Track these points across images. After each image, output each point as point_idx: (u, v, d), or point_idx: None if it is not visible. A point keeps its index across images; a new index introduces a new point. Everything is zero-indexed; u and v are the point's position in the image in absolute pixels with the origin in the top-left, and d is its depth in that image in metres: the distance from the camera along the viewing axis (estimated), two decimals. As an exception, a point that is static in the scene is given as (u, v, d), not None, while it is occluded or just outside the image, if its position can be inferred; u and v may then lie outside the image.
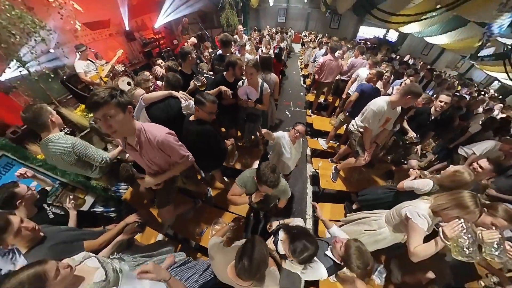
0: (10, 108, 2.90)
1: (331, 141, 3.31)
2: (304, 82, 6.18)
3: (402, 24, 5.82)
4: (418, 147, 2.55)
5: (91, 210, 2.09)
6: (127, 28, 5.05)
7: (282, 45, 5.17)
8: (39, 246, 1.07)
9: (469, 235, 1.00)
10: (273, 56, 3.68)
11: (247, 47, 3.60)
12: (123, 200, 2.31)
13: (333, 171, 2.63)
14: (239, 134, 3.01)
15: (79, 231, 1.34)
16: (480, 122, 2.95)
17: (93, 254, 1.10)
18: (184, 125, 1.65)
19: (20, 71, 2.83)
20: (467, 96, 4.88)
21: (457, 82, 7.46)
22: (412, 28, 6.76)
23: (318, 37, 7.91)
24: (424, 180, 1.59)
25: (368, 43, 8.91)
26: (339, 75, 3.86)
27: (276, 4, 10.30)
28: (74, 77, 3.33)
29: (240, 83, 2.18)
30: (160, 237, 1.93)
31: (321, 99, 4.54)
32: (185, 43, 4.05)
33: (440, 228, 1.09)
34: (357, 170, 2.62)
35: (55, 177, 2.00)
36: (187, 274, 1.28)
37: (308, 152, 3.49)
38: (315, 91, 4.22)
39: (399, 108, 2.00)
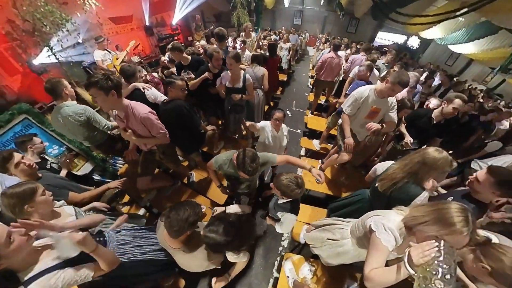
0: (40, 88, 3.51)
1: (325, 143, 3.24)
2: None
3: (422, 26, 5.44)
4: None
5: (89, 175, 2.36)
6: (147, 24, 5.50)
7: (285, 45, 5.22)
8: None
9: (445, 266, 0.66)
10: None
11: (248, 44, 3.73)
12: (119, 174, 2.55)
13: (319, 167, 2.58)
14: (219, 122, 3.15)
15: (68, 182, 1.59)
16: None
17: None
18: (160, 108, 1.82)
19: (50, 58, 3.40)
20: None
21: (483, 95, 6.82)
22: (434, 33, 6.35)
23: (330, 38, 7.74)
24: (385, 162, 1.43)
25: (386, 49, 8.56)
26: (341, 75, 3.80)
27: (292, 6, 10.25)
28: (94, 64, 3.83)
29: (223, 73, 2.33)
30: (141, 211, 2.08)
31: (322, 100, 4.48)
32: (197, 43, 4.29)
33: (407, 249, 0.78)
34: (346, 173, 2.50)
35: (62, 142, 2.32)
36: (138, 242, 1.30)
37: (302, 152, 3.47)
38: (313, 91, 4.19)
39: (391, 101, 1.84)
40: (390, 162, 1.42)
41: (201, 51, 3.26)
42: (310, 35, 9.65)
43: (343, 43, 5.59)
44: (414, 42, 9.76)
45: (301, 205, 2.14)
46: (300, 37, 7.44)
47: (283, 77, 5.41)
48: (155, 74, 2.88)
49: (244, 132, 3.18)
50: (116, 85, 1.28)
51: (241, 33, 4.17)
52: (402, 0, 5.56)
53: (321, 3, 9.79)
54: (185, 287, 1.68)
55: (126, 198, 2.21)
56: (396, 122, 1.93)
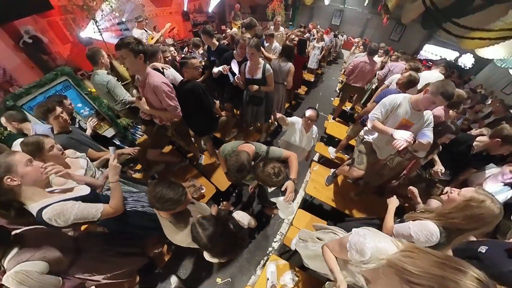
0: (84, 57, 3.96)
1: (342, 153, 3.04)
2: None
3: (482, 43, 4.67)
4: (448, 187, 1.90)
5: (111, 139, 2.58)
6: (185, 9, 5.68)
7: (318, 44, 4.95)
8: (63, 134, 1.54)
9: None
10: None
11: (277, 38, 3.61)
12: (136, 143, 2.77)
13: (330, 175, 2.42)
14: (237, 111, 3.13)
15: (91, 140, 1.77)
16: None
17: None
18: (176, 89, 1.85)
19: (95, 33, 3.78)
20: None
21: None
22: (494, 53, 5.43)
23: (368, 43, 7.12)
24: (424, 223, 0.98)
25: (430, 63, 7.67)
26: (374, 83, 3.51)
27: (332, 4, 9.56)
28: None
29: (244, 63, 2.30)
30: (149, 181, 2.22)
31: (348, 107, 4.22)
32: (228, 30, 4.33)
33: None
34: (357, 189, 2.29)
35: (93, 105, 2.55)
36: (139, 198, 1.44)
37: (316, 157, 3.33)
38: (340, 96, 3.96)
39: (427, 116, 1.53)
40: (434, 230, 0.98)
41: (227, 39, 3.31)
42: (347, 38, 8.99)
43: (380, 48, 5.12)
44: (467, 61, 8.52)
45: (301, 211, 2.12)
46: (336, 38, 7.00)
47: (310, 77, 5.20)
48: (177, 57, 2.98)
49: (258, 125, 3.15)
50: (145, 51, 1.39)
51: (271, 26, 4.05)
52: (462, 9, 4.82)
53: (365, 4, 9.00)
54: (170, 260, 1.81)
55: (139, 166, 2.39)
56: (431, 143, 1.54)
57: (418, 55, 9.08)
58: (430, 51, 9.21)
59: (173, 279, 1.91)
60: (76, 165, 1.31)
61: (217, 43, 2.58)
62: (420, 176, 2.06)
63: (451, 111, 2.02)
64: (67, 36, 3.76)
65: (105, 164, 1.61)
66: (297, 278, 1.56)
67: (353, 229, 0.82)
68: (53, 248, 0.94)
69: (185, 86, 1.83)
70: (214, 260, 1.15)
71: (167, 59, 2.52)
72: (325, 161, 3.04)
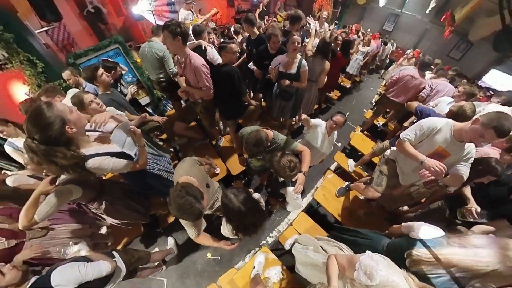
0: (135, 30, 4.40)
1: (361, 168, 2.85)
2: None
3: None
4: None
5: (145, 106, 2.85)
6: (231, -5, 5.73)
7: (363, 48, 4.55)
8: (107, 93, 1.78)
9: None
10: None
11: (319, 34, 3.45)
12: (166, 114, 3.03)
13: (343, 187, 2.32)
14: (264, 104, 3.11)
15: (128, 104, 1.98)
16: None
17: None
18: (213, 70, 1.93)
19: (146, 10, 4.10)
20: None
21: None
22: None
23: (421, 56, 5.97)
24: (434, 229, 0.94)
25: (491, 92, 6.48)
26: (417, 101, 3.15)
27: (388, 7, 8.42)
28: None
29: (279, 56, 2.25)
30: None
31: (380, 122, 3.90)
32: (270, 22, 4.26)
33: None
34: (368, 209, 2.14)
35: (136, 74, 2.84)
36: (157, 162, 1.63)
37: (332, 167, 3.20)
38: (375, 108, 3.62)
39: (469, 150, 1.32)
40: (440, 232, 0.95)
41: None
42: (397, 47, 8.05)
43: (434, 64, 4.49)
44: (543, 96, 7.08)
45: (304, 215, 2.10)
46: (384, 45, 6.35)
47: (346, 83, 4.89)
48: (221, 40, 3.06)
49: (282, 120, 3.12)
50: (183, 33, 1.49)
51: (315, 21, 3.84)
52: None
53: (426, 12, 7.76)
54: (173, 224, 2.01)
55: (164, 136, 2.62)
56: (465, 179, 1.34)
57: (479, 81, 7.77)
58: (495, 78, 7.70)
59: (170, 241, 2.12)
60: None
61: (257, 32, 2.57)
62: (443, 211, 1.76)
63: (508, 155, 1.66)
64: (122, 10, 4.15)
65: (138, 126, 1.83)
66: (282, 276, 1.58)
67: (367, 252, 0.84)
68: (87, 188, 1.23)
69: (222, 69, 1.90)
70: (230, 235, 1.23)
71: (209, 40, 2.63)
72: (341, 172, 2.90)
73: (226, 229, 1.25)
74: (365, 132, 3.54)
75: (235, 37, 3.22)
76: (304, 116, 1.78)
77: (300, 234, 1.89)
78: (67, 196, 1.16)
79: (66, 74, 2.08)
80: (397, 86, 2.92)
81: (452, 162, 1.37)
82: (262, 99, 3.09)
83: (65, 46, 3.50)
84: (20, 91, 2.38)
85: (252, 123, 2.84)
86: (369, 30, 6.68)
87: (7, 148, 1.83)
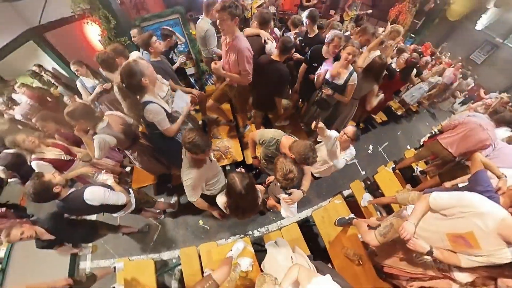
0: (195, 3, 4.51)
1: (374, 208, 2.57)
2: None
3: None
4: None
5: (188, 76, 3.13)
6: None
7: (434, 78, 3.80)
8: (156, 60, 1.98)
9: None
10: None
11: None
12: (205, 89, 3.24)
13: (346, 218, 2.15)
14: (301, 105, 3.02)
15: (173, 73, 2.23)
16: None
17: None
18: (261, 60, 1.93)
19: None
20: None
21: None
22: None
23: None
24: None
25: None
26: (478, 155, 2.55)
27: (486, 32, 6.26)
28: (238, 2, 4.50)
29: (330, 62, 2.12)
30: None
31: (420, 167, 3.32)
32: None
33: None
34: (359, 252, 1.95)
35: (188, 45, 3.13)
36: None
37: (346, 192, 2.97)
38: (420, 149, 3.11)
39: (507, 254, 1.04)
40: None
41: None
42: (478, 86, 6.30)
43: None
44: None
45: (295, 226, 2.08)
46: (463, 79, 5.13)
47: (398, 109, 4.19)
48: (276, 30, 2.95)
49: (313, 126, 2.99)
50: (240, 15, 1.53)
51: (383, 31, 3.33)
52: None
53: None
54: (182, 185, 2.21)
55: (197, 107, 2.84)
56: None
57: None
58: None
59: (175, 198, 2.46)
60: (161, 88, 1.68)
61: (316, 31, 2.43)
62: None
63: None
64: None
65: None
66: (250, 269, 1.68)
67: (328, 275, 0.91)
68: (125, 135, 1.54)
69: (274, 65, 1.88)
70: (221, 206, 1.40)
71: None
72: (351, 202, 2.66)
73: (221, 199, 1.42)
74: (397, 171, 3.09)
75: (291, 28, 3.06)
76: (321, 125, 1.69)
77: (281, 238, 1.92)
78: (106, 143, 1.55)
79: (133, 32, 2.46)
80: (456, 132, 2.33)
81: (478, 253, 1.09)
82: (300, 99, 2.99)
83: (137, 4, 3.86)
84: (95, 40, 2.89)
85: (280, 120, 2.82)
86: (449, 54, 5.42)
87: (78, 84, 2.31)
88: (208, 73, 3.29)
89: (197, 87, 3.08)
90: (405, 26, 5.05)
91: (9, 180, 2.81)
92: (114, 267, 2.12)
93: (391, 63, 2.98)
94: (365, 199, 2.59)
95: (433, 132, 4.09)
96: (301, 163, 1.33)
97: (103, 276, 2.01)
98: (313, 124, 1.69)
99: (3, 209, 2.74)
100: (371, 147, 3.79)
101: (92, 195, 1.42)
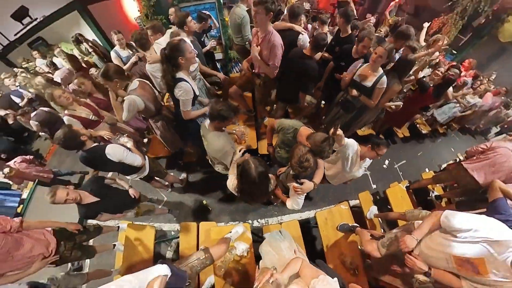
0: None
1: (380, 223, 2.47)
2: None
3: None
4: None
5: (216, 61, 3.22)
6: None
7: (474, 99, 3.48)
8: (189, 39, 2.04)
9: None
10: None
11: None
12: (230, 76, 3.27)
13: (349, 225, 2.12)
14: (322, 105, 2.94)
15: (202, 56, 2.32)
16: None
17: None
18: (292, 53, 1.92)
19: None
20: None
21: None
22: None
23: None
24: None
25: None
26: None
27: None
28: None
29: (359, 62, 2.04)
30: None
31: (435, 191, 3.09)
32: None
33: None
34: (357, 262, 1.91)
35: (220, 30, 3.19)
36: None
37: (353, 202, 2.87)
38: (440, 172, 2.91)
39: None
40: None
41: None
42: None
43: None
44: None
45: (296, 224, 2.09)
46: (505, 108, 4.62)
47: (424, 127, 3.91)
48: (310, 26, 2.91)
49: (331, 132, 2.90)
50: (275, 11, 1.57)
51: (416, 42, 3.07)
52: None
53: None
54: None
55: (220, 92, 2.93)
56: None
57: None
58: None
59: (183, 174, 2.57)
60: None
61: (349, 31, 2.34)
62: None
63: None
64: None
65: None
66: (245, 254, 1.71)
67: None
68: (152, 103, 1.69)
69: (305, 58, 1.89)
70: (231, 189, 1.42)
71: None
72: (356, 212, 2.56)
73: (231, 182, 1.44)
74: (410, 191, 2.91)
75: (321, 27, 2.96)
76: (339, 132, 1.55)
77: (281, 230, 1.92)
78: (135, 105, 1.66)
79: (171, 10, 2.58)
80: (484, 157, 2.12)
81: (483, 281, 1.03)
82: (323, 99, 2.92)
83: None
84: (131, 17, 3.04)
85: (301, 117, 2.78)
86: (493, 77, 4.87)
87: (113, 54, 2.47)
88: (235, 61, 3.35)
89: (221, 72, 3.15)
90: (446, 41, 4.65)
91: (40, 133, 3.12)
92: (118, 227, 2.27)
93: (424, 76, 2.80)
94: (371, 211, 2.51)
95: (458, 160, 3.78)
96: (315, 155, 1.31)
97: (107, 231, 2.17)
98: (331, 130, 1.56)
99: (31, 157, 3.04)
100: (387, 162, 3.61)
101: (113, 150, 1.53)
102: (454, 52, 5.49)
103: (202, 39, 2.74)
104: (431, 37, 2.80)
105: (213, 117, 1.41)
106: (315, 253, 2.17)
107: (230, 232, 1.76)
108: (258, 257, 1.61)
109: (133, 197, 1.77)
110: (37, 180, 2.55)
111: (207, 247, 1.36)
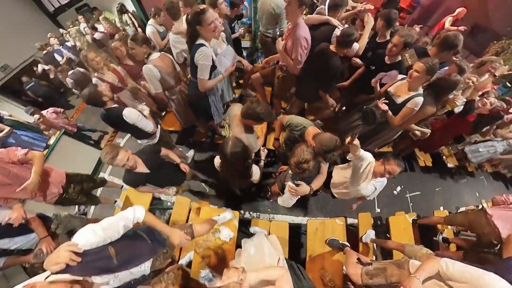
0: None
1: (373, 248, 2.31)
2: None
3: None
4: None
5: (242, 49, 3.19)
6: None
7: None
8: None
9: None
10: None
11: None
12: (254, 65, 3.24)
13: (340, 242, 2.03)
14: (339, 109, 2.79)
15: (230, 40, 2.31)
16: None
17: None
18: (317, 47, 1.84)
19: None
20: None
21: None
22: None
23: None
24: None
25: None
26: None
27: None
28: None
29: (396, 73, 1.84)
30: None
31: (445, 234, 2.73)
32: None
33: None
34: (338, 280, 1.85)
35: (252, 18, 3.15)
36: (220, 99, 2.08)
37: (350, 221, 2.71)
38: (456, 213, 2.59)
39: None
40: None
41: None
42: None
43: None
44: None
45: (286, 226, 2.07)
46: None
47: (451, 159, 3.39)
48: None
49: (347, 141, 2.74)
50: (307, 5, 1.52)
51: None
52: None
53: None
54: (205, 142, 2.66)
55: (241, 80, 2.96)
56: None
57: None
58: None
59: (191, 152, 2.68)
60: (220, 45, 1.84)
61: (388, 38, 2.13)
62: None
63: None
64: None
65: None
66: (227, 241, 1.76)
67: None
68: (169, 76, 1.78)
69: (328, 54, 1.80)
70: (216, 166, 1.49)
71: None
72: (351, 231, 2.44)
73: (217, 160, 1.52)
74: (416, 225, 2.64)
75: (357, 29, 2.71)
76: (356, 142, 1.43)
77: (269, 233, 1.95)
78: (151, 74, 1.76)
79: None
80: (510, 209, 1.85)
81: None
82: (341, 104, 2.77)
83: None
84: None
85: (316, 119, 2.69)
86: None
87: (150, 28, 2.59)
88: (261, 51, 3.30)
89: (246, 61, 3.16)
90: (504, 67, 4.03)
91: (74, 90, 3.48)
92: (122, 186, 2.46)
93: (465, 102, 2.46)
94: (368, 235, 2.36)
95: (481, 207, 3.31)
96: (319, 155, 1.26)
97: (111, 186, 2.37)
98: (347, 139, 1.45)
99: (62, 110, 3.41)
100: (399, 188, 3.33)
101: (129, 113, 1.65)
102: (509, 85, 4.81)
103: (233, 25, 2.72)
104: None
105: (249, 116, 1.37)
106: (296, 260, 2.12)
107: (219, 215, 1.81)
108: (239, 247, 1.63)
109: (184, 170, 1.79)
110: (63, 130, 2.84)
111: (192, 223, 1.41)
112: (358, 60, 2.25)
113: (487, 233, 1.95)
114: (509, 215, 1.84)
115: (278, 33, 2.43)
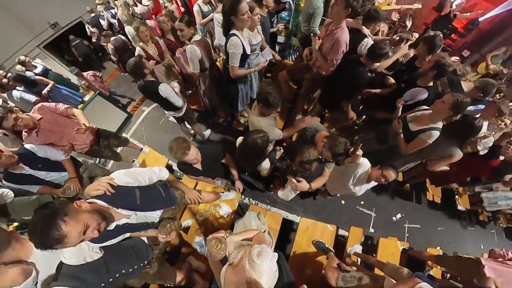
0: None
1: (356, 262, 2.31)
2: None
3: None
4: None
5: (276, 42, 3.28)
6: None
7: None
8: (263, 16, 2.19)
9: None
10: None
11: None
12: (284, 61, 3.26)
13: (326, 246, 2.12)
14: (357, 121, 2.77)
15: (267, 34, 2.43)
16: None
17: None
18: (347, 57, 1.86)
19: None
20: None
21: None
22: None
23: None
24: None
25: None
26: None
27: None
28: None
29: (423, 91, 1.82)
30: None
31: (433, 272, 2.59)
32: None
33: None
34: (316, 281, 1.94)
35: (292, 15, 3.08)
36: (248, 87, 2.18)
37: (341, 232, 2.76)
38: (450, 256, 2.48)
39: None
40: None
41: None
42: None
43: None
44: None
45: (279, 218, 2.17)
46: None
47: (463, 202, 3.14)
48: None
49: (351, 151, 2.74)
50: (354, 8, 1.50)
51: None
52: None
53: None
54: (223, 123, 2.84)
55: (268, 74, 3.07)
56: None
57: None
58: None
59: (208, 131, 2.87)
60: (255, 37, 1.90)
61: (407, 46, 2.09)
62: None
63: None
64: None
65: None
66: (225, 217, 1.94)
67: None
68: (205, 58, 1.99)
69: (356, 66, 1.81)
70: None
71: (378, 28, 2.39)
72: (340, 242, 2.50)
73: (239, 140, 1.67)
74: (406, 255, 2.58)
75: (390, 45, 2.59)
76: (359, 152, 1.47)
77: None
78: (195, 54, 1.88)
79: None
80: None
81: None
82: (359, 114, 2.73)
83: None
84: None
85: (330, 128, 2.73)
86: None
87: (196, 7, 2.75)
88: (294, 49, 3.32)
89: (278, 55, 3.20)
90: None
91: (112, 57, 3.81)
92: (142, 149, 2.74)
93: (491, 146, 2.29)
94: (354, 248, 2.41)
95: (482, 265, 2.94)
96: (325, 156, 1.35)
97: (132, 147, 2.66)
98: (351, 149, 1.48)
99: (100, 74, 3.79)
100: (399, 215, 3.20)
101: (164, 88, 1.84)
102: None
103: (273, 19, 2.76)
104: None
105: (260, 99, 1.44)
106: (282, 249, 2.29)
107: (223, 192, 1.98)
108: (231, 225, 1.83)
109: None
110: (98, 91, 3.23)
111: (200, 189, 1.62)
112: (391, 79, 2.22)
113: (475, 282, 1.90)
114: (504, 271, 1.77)
115: (311, 33, 2.43)
